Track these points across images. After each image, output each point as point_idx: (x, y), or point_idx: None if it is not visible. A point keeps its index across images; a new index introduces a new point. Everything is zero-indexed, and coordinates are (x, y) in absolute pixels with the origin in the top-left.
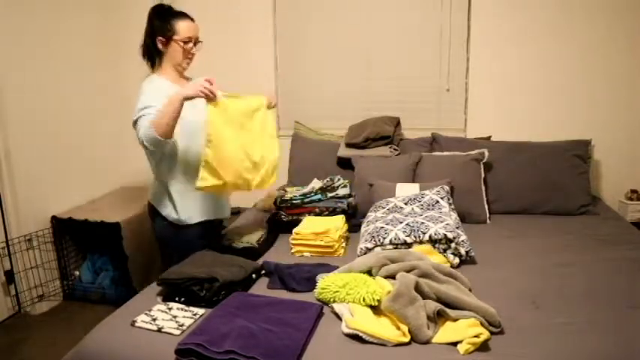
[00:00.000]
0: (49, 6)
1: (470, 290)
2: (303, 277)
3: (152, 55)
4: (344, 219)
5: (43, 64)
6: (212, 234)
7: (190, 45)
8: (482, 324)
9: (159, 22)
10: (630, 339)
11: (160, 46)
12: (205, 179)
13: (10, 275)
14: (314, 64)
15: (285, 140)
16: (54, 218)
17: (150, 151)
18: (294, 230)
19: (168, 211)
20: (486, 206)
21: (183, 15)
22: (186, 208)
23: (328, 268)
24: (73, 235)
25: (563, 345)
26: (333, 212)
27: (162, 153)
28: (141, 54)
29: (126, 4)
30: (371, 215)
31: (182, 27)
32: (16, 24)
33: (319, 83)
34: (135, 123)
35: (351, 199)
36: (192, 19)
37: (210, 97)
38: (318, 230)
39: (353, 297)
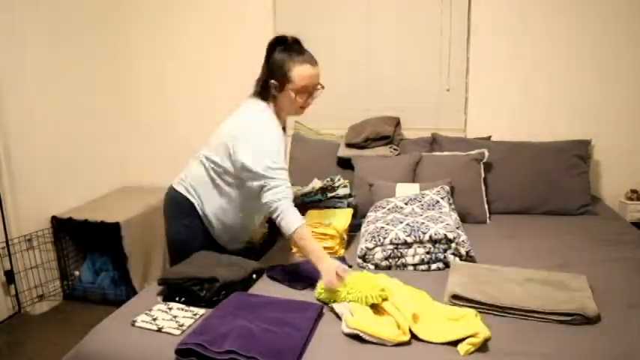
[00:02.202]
0: (49, 6)
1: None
2: (304, 275)
3: (265, 92)
4: (352, 213)
5: (43, 64)
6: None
7: (304, 97)
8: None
9: (275, 59)
10: (630, 339)
11: (272, 90)
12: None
13: (10, 275)
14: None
15: (285, 140)
16: (54, 218)
17: (265, 210)
18: None
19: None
20: (486, 206)
21: (302, 56)
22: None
23: None
24: (73, 235)
25: (563, 345)
26: None
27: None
28: (256, 84)
29: (126, 3)
30: (371, 215)
31: (300, 74)
32: (16, 24)
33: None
34: (264, 176)
35: (351, 199)
36: (314, 63)
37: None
38: (322, 220)
39: (354, 296)
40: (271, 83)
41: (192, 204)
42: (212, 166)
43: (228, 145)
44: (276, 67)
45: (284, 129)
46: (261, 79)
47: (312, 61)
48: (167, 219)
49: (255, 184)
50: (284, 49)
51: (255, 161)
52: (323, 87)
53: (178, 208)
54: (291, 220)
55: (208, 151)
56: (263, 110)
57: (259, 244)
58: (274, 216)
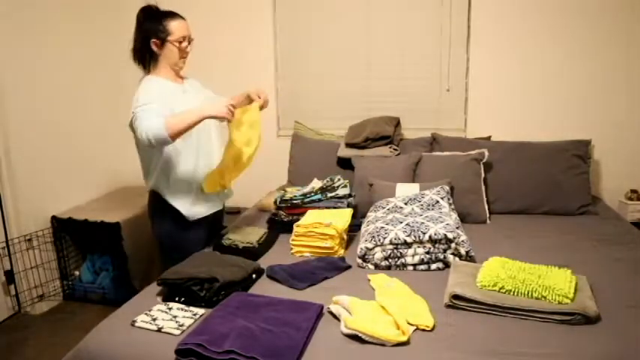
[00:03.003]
0: (49, 6)
1: None
2: (304, 274)
3: (145, 57)
4: (351, 213)
5: (43, 64)
6: (213, 231)
7: (185, 44)
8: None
9: (150, 24)
10: (630, 339)
11: (154, 48)
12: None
13: (10, 275)
14: (314, 64)
15: (285, 140)
16: (54, 218)
17: (147, 146)
18: (296, 224)
19: (176, 206)
20: (486, 206)
21: (174, 15)
22: (188, 205)
23: (332, 265)
24: (73, 235)
25: (563, 344)
26: None
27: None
28: (132, 58)
29: (126, 4)
30: (371, 215)
31: (175, 27)
32: (16, 24)
33: (319, 83)
34: (134, 116)
35: (351, 199)
36: (183, 18)
37: (231, 119)
38: (322, 220)
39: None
40: (152, 42)
41: (158, 195)
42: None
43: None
44: (154, 28)
45: (183, 78)
46: (138, 46)
47: (181, 17)
48: (151, 221)
49: (133, 123)
50: (154, 13)
51: (133, 102)
52: (194, 39)
53: (153, 206)
54: (150, 121)
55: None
56: (147, 81)
57: (259, 244)
58: (143, 136)
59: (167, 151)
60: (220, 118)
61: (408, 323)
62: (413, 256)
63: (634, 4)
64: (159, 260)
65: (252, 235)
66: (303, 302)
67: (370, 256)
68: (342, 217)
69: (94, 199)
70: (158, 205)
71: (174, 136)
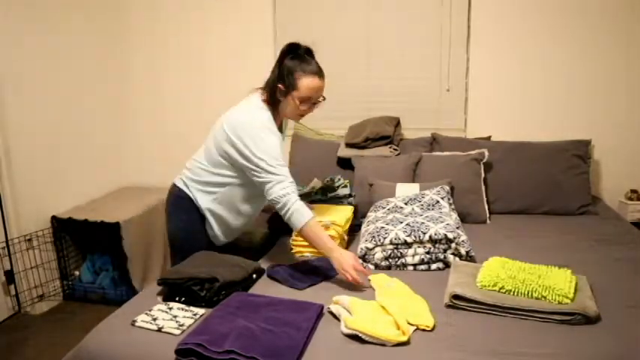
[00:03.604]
0: (49, 6)
1: None
2: (304, 274)
3: (272, 93)
4: (352, 210)
5: (43, 64)
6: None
7: (305, 107)
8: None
9: (287, 65)
10: (630, 339)
11: (278, 94)
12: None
13: (10, 275)
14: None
15: (286, 140)
16: (54, 218)
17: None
18: None
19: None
20: (486, 206)
21: (311, 67)
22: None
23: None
24: (73, 235)
25: (563, 344)
26: None
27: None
28: (265, 84)
29: (126, 4)
30: (371, 215)
31: (305, 85)
32: (16, 24)
33: None
34: (264, 177)
35: (351, 199)
36: (321, 76)
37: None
38: (323, 219)
39: (527, 289)
40: (278, 87)
41: (190, 199)
42: (210, 160)
43: (229, 135)
44: (286, 73)
45: (280, 129)
46: (270, 82)
47: (320, 74)
48: (167, 215)
49: (259, 179)
50: (296, 57)
51: (259, 154)
52: (325, 98)
53: (177, 204)
54: (302, 213)
55: (207, 146)
56: (262, 108)
57: (259, 244)
58: (283, 211)
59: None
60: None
61: (409, 323)
62: (413, 256)
63: (634, 4)
64: (159, 260)
65: (252, 235)
66: (303, 302)
67: (370, 256)
68: (343, 214)
69: (94, 199)
70: (180, 201)
71: (300, 235)
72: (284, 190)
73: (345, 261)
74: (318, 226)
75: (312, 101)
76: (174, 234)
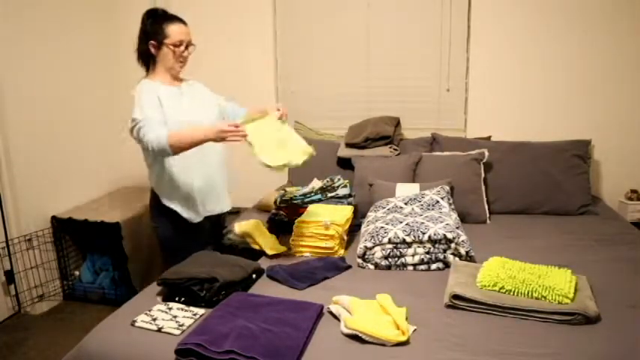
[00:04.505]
0: (49, 6)
1: None
2: (304, 274)
3: (146, 59)
4: (352, 210)
5: (43, 64)
6: (215, 231)
7: (182, 48)
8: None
9: (151, 27)
10: (630, 339)
11: (152, 50)
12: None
13: (10, 275)
14: (314, 64)
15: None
16: (54, 218)
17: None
18: (298, 220)
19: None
20: (486, 206)
21: (174, 18)
22: (191, 205)
23: (332, 265)
24: (73, 235)
25: (563, 344)
26: None
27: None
28: (136, 58)
29: (126, 5)
30: (371, 215)
31: (173, 30)
32: (16, 24)
33: (319, 83)
34: (135, 130)
35: (351, 199)
36: (184, 23)
37: (238, 140)
38: (323, 218)
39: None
40: (150, 44)
41: (157, 196)
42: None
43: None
44: (153, 30)
45: (181, 80)
46: (140, 48)
47: (182, 20)
48: (151, 218)
49: (136, 135)
50: (156, 16)
51: (134, 112)
52: (194, 45)
53: (155, 204)
54: (153, 133)
55: None
56: (140, 88)
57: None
58: (145, 140)
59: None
60: (227, 141)
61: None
62: (413, 255)
63: (634, 3)
64: (159, 260)
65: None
66: (303, 302)
67: (370, 256)
68: (343, 214)
69: (94, 199)
70: (159, 205)
71: (177, 151)
72: (141, 130)
73: (215, 129)
74: (179, 131)
75: (184, 44)
76: (159, 235)
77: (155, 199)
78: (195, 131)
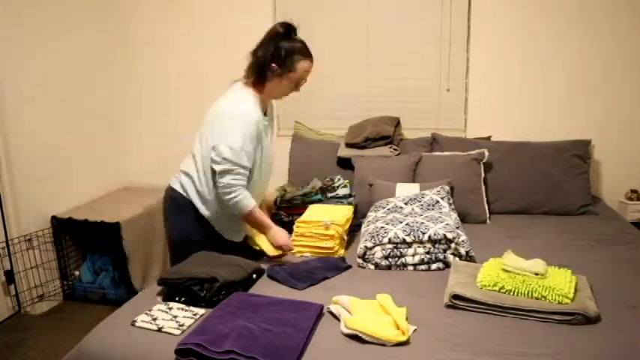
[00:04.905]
0: (49, 6)
1: None
2: (304, 274)
3: (258, 70)
4: (352, 210)
5: (43, 64)
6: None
7: (293, 88)
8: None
9: (285, 47)
10: (630, 339)
11: (269, 74)
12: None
13: (10, 275)
14: (314, 64)
15: (286, 140)
16: (54, 218)
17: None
18: (298, 220)
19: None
20: (486, 206)
21: (307, 52)
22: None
23: (332, 265)
24: (73, 235)
25: (563, 344)
26: None
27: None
28: (249, 61)
29: (126, 5)
30: (371, 215)
31: (303, 68)
32: (16, 24)
33: (319, 83)
34: (224, 169)
35: (351, 199)
36: (312, 59)
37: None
38: (323, 218)
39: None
40: (272, 67)
41: (187, 199)
42: (201, 156)
43: (214, 124)
44: (284, 54)
45: (265, 113)
46: (261, 61)
47: (312, 57)
48: (165, 218)
49: (218, 166)
50: (293, 39)
51: (226, 142)
52: (306, 80)
53: (174, 205)
54: (249, 199)
55: (197, 143)
56: (246, 96)
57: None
58: (231, 195)
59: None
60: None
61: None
62: (413, 255)
63: (634, 3)
64: (159, 260)
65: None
66: (303, 302)
67: (370, 256)
68: (343, 214)
69: (94, 199)
70: (177, 205)
71: (244, 218)
72: (239, 181)
73: (279, 237)
74: (260, 211)
75: (302, 83)
76: (174, 236)
77: (176, 197)
78: (270, 223)
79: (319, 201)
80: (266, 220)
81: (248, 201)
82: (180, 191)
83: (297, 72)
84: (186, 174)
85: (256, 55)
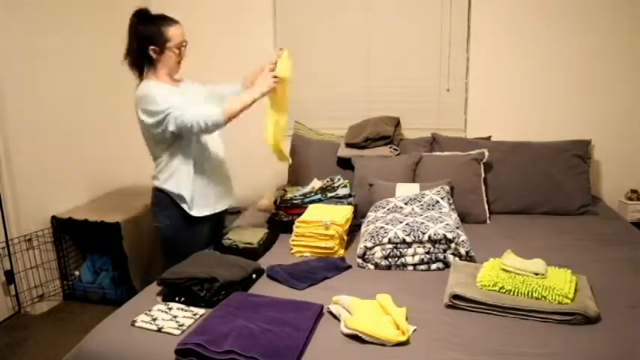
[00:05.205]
0: (49, 6)
1: None
2: (304, 274)
3: (140, 62)
4: (352, 210)
5: (43, 64)
6: (215, 231)
7: (183, 50)
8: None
9: (147, 30)
10: (630, 339)
11: (152, 55)
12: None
13: (10, 275)
14: (314, 64)
15: (285, 140)
16: (54, 218)
17: (196, 133)
18: (298, 220)
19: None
20: (486, 206)
21: (170, 20)
22: (199, 199)
23: (332, 265)
24: (73, 235)
25: (563, 344)
26: None
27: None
28: (127, 63)
29: (127, 5)
30: (371, 215)
31: (174, 33)
32: (16, 24)
33: (319, 83)
34: (166, 120)
35: (351, 199)
36: (178, 22)
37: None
38: (323, 217)
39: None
40: (151, 49)
41: (167, 193)
42: (151, 149)
43: (138, 115)
44: (152, 34)
45: (177, 81)
46: (135, 52)
47: (177, 21)
48: (153, 217)
49: (167, 125)
50: (149, 18)
51: (144, 108)
52: (187, 41)
53: (158, 203)
54: (208, 109)
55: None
56: (153, 87)
57: (259, 244)
58: (192, 124)
59: (182, 150)
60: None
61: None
62: (413, 255)
63: (634, 3)
64: (159, 260)
65: (252, 235)
66: (303, 302)
67: (370, 256)
68: (343, 214)
69: (94, 199)
70: (163, 201)
71: (230, 120)
72: (178, 117)
73: (263, 81)
74: (231, 100)
75: (182, 46)
76: (162, 233)
77: (158, 197)
78: (249, 93)
79: (319, 201)
80: (244, 97)
81: (209, 110)
82: (160, 185)
83: (173, 39)
84: (155, 176)
85: (132, 51)
